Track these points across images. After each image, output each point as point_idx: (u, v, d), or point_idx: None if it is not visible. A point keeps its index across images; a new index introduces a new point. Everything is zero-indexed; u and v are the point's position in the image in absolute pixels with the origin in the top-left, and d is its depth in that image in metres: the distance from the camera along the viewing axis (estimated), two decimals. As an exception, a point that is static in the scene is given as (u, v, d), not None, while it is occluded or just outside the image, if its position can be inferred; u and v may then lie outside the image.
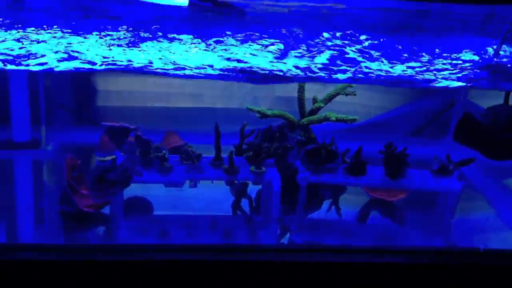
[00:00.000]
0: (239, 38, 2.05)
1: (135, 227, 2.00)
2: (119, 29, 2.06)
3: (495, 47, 2.12)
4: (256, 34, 2.07)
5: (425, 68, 1.97)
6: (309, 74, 1.86)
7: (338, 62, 1.93)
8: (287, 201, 2.09)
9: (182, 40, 2.03)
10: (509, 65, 2.07)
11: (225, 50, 1.96)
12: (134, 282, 1.74)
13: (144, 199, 2.14)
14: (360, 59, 1.96)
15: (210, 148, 2.13)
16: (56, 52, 1.85)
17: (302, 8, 2.22)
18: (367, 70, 1.90)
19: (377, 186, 2.12)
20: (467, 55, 2.08)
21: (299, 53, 1.97)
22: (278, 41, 2.03)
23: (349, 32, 2.12)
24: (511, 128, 1.94)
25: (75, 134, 2.61)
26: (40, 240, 1.94)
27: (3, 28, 1.97)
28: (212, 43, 2.02)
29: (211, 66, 1.88)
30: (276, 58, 1.93)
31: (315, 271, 1.81)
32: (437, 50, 2.08)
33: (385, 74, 1.88)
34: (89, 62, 1.84)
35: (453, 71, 1.92)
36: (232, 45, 2.00)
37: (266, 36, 2.06)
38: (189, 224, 2.02)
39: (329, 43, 2.04)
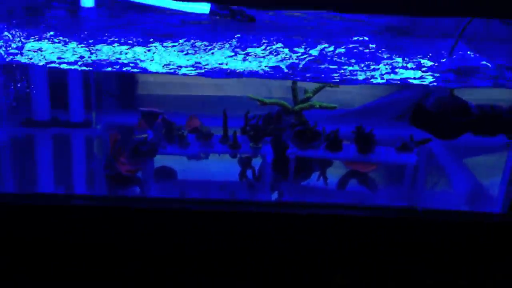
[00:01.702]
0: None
1: (161, 187, 2.63)
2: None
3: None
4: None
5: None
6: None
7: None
8: (280, 170, 2.67)
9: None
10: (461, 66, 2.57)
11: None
12: (159, 225, 2.33)
13: (169, 167, 2.75)
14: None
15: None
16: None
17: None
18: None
19: (349, 159, 2.68)
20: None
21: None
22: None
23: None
24: (454, 114, 2.47)
25: (119, 117, 3.24)
26: (90, 192, 2.59)
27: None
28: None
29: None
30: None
31: (299, 221, 2.34)
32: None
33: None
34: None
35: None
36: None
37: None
38: (202, 186, 2.63)
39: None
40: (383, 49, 2.62)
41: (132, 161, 2.54)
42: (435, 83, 2.47)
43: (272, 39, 2.61)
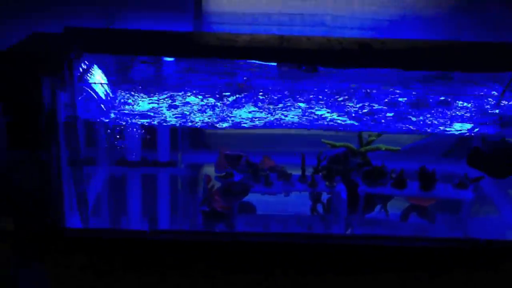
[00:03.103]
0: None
1: (249, 221, 3.01)
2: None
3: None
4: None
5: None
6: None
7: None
8: (351, 206, 3.04)
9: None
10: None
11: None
12: (244, 258, 2.69)
13: (252, 203, 3.13)
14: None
15: (294, 165, 3.09)
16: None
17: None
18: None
19: (414, 195, 3.06)
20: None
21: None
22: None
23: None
24: (505, 157, 2.85)
25: (195, 156, 3.63)
26: (185, 227, 2.98)
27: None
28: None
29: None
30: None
31: (369, 251, 2.71)
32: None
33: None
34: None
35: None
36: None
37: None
38: (283, 220, 3.01)
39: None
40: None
41: (225, 199, 2.91)
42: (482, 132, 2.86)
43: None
